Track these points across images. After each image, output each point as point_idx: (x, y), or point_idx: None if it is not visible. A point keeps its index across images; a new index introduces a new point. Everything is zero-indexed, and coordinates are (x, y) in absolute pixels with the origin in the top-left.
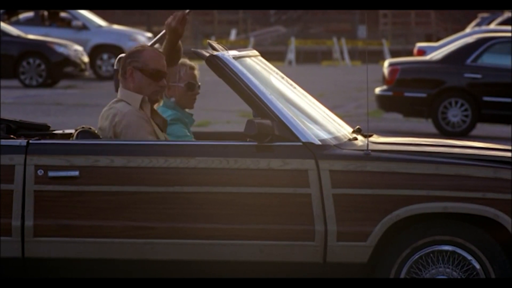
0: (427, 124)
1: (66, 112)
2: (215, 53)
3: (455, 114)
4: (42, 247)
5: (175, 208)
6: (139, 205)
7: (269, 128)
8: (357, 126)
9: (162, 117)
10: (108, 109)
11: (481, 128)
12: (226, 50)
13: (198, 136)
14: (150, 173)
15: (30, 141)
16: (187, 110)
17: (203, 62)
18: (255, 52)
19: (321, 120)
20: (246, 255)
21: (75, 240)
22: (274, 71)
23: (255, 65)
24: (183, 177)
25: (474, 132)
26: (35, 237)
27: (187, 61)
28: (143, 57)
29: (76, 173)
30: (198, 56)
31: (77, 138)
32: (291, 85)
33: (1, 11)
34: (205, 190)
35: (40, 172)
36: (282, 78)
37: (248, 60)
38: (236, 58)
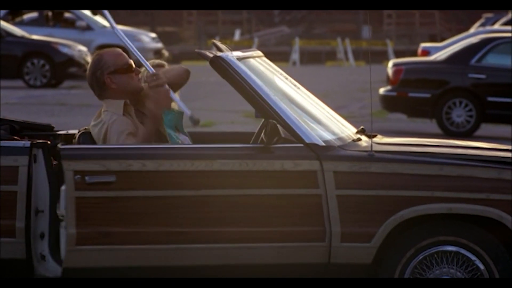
0: (431, 125)
1: (70, 113)
2: (218, 54)
3: (459, 115)
4: (83, 256)
5: (203, 212)
6: (170, 209)
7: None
8: (361, 127)
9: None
10: (94, 125)
11: (485, 128)
12: (231, 50)
13: (202, 136)
14: (178, 177)
15: (61, 146)
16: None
17: (207, 63)
18: (259, 53)
19: (325, 121)
20: (259, 258)
21: (116, 247)
22: (278, 71)
23: (259, 66)
24: (209, 180)
25: (478, 132)
26: (77, 245)
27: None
28: (108, 61)
29: (113, 178)
30: (201, 57)
31: (79, 139)
32: (295, 85)
33: (5, 11)
34: (228, 193)
35: (78, 178)
36: (286, 78)
37: (252, 60)
38: (239, 59)
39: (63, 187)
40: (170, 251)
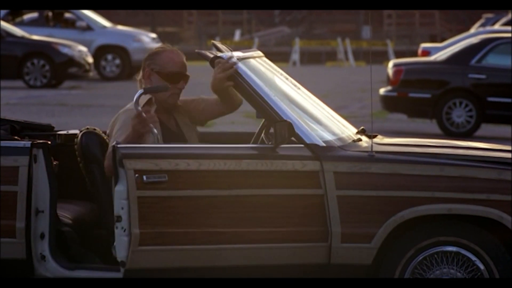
0: (432, 125)
1: (70, 113)
2: (219, 54)
3: (459, 115)
4: (145, 257)
5: (233, 212)
6: (210, 209)
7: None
8: (362, 127)
9: (188, 117)
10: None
11: (486, 128)
12: (231, 50)
13: (206, 136)
14: (213, 176)
15: (117, 145)
16: None
17: (207, 63)
18: (260, 53)
19: (325, 121)
20: (259, 259)
21: (174, 248)
22: (278, 72)
23: (259, 66)
24: (238, 179)
25: (479, 132)
26: (140, 246)
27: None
28: (161, 59)
29: (165, 177)
30: (202, 57)
31: (81, 139)
32: (295, 86)
33: (5, 11)
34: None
35: (137, 177)
36: (287, 79)
37: (252, 61)
38: (240, 59)
39: (119, 188)
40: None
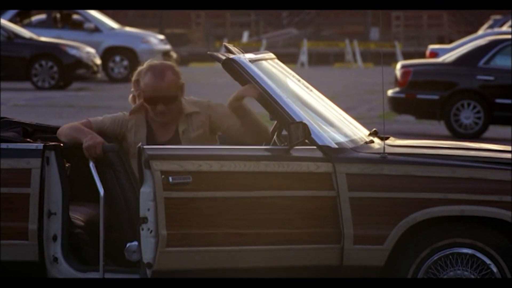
0: (440, 126)
1: (78, 114)
2: (231, 56)
3: (467, 116)
4: (172, 258)
5: (251, 213)
6: (230, 211)
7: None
8: (374, 129)
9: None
10: None
11: (494, 130)
12: (242, 52)
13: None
14: (233, 178)
15: (143, 146)
16: None
17: (215, 64)
18: (271, 55)
19: (337, 123)
20: (272, 260)
21: (199, 249)
22: (290, 73)
23: (271, 68)
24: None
25: (487, 134)
26: (167, 247)
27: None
28: (143, 82)
29: (189, 178)
30: (213, 59)
31: None
32: (307, 87)
33: (13, 13)
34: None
35: (163, 179)
36: (299, 80)
37: (264, 63)
38: (252, 61)
39: (145, 189)
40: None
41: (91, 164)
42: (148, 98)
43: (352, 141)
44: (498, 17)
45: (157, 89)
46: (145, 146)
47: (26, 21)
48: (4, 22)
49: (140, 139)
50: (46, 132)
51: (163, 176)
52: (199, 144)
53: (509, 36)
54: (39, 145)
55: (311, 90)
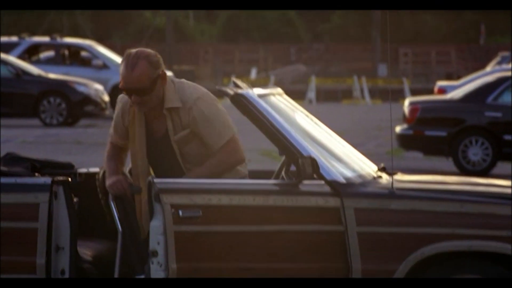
0: (448, 163)
1: (87, 151)
2: (239, 91)
3: (475, 153)
4: None
5: (261, 247)
6: (240, 245)
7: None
8: (382, 164)
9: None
10: None
11: (502, 166)
12: (251, 88)
13: None
14: (242, 212)
15: (155, 180)
16: None
17: (227, 100)
18: (279, 90)
19: (346, 158)
20: None
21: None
22: (298, 109)
23: (279, 103)
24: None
25: (495, 170)
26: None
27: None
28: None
29: (199, 212)
30: (222, 94)
31: (103, 175)
32: (315, 123)
33: (22, 50)
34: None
35: (173, 212)
36: (307, 116)
37: (272, 98)
38: (260, 96)
39: (155, 223)
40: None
41: (111, 200)
42: (121, 88)
43: (360, 176)
44: (506, 53)
45: (127, 80)
46: (155, 180)
47: (34, 57)
48: (13, 58)
49: (140, 133)
50: (55, 168)
51: (173, 210)
52: (184, 145)
53: None
54: (47, 180)
55: (319, 125)
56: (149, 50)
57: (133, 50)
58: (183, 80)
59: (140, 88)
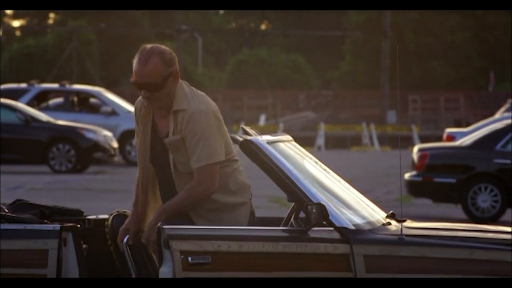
0: (457, 210)
1: (96, 198)
2: (248, 137)
3: (485, 200)
4: None
5: None
6: None
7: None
8: (391, 211)
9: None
10: None
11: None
12: (260, 134)
13: None
14: (252, 258)
15: (162, 226)
16: None
17: (236, 147)
18: (288, 137)
19: (354, 205)
20: None
21: None
22: (307, 155)
23: (288, 150)
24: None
25: (504, 217)
26: None
27: None
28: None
29: (208, 259)
30: (232, 141)
31: (112, 222)
32: (324, 169)
33: (31, 96)
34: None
35: (182, 258)
36: (316, 163)
37: (281, 144)
38: (269, 142)
39: (164, 269)
40: None
41: (125, 246)
42: (132, 82)
43: (370, 223)
44: None
45: (139, 75)
46: (164, 226)
47: (43, 104)
48: (22, 105)
49: (146, 132)
50: (64, 215)
51: (182, 256)
52: (175, 151)
53: None
54: (56, 226)
55: (328, 172)
56: (163, 47)
57: (148, 45)
58: (200, 91)
59: (151, 83)
